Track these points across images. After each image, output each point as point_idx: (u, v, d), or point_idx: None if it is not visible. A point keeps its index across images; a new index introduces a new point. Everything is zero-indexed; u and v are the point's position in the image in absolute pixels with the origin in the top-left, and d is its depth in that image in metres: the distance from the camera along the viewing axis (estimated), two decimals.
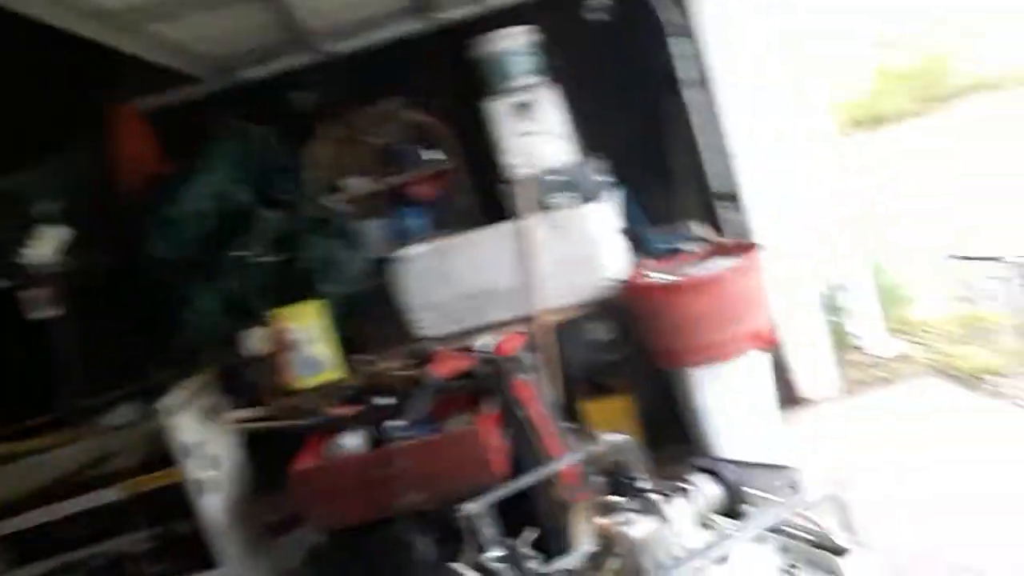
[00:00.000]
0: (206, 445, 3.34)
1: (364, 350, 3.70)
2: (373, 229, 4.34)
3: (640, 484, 2.10)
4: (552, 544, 3.09)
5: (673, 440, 3.94)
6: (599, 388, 4.12)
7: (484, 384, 3.06)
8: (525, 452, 3.01)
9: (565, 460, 2.12)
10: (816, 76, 4.80)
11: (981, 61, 11.73)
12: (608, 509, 1.88)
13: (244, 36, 4.06)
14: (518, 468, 3.01)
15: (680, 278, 3.66)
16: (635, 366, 4.00)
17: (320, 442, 3.11)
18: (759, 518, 1.76)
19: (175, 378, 3.45)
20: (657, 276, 3.75)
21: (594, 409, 4.06)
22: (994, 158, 8.92)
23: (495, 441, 2.87)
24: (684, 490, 1.96)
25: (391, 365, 3.29)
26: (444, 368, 3.11)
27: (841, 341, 4.96)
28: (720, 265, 3.69)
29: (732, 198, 4.40)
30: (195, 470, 3.24)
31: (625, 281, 3.78)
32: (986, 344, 4.55)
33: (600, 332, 4.23)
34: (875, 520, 1.88)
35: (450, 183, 4.47)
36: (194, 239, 3.73)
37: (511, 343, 3.19)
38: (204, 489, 3.26)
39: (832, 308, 4.99)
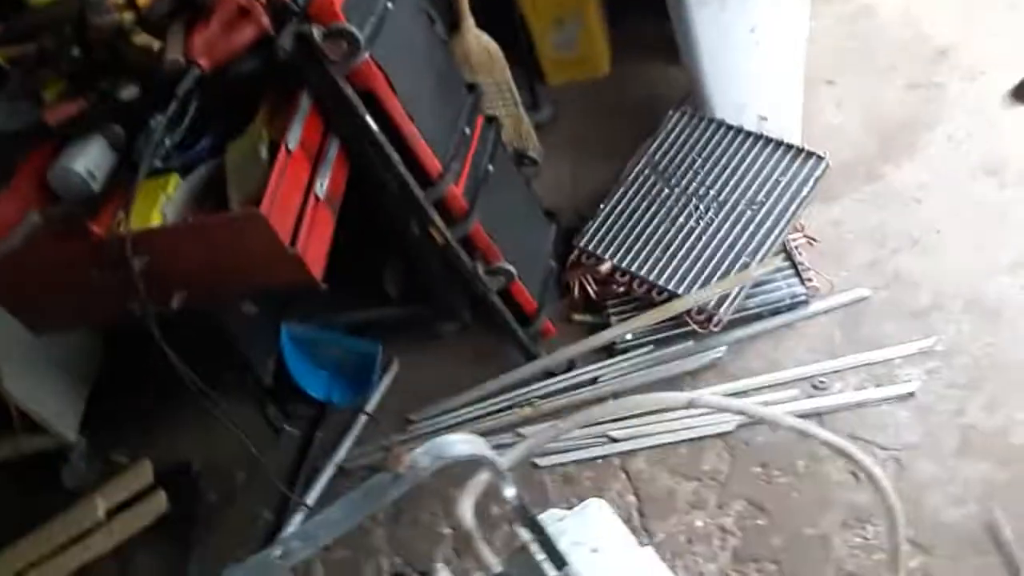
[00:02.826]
0: None
1: None
2: None
3: None
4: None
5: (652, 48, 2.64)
6: None
7: (294, 70, 1.66)
8: (381, 179, 1.76)
9: None
10: None
11: None
12: None
13: None
14: (367, 215, 1.80)
15: None
16: None
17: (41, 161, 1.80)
18: None
19: None
20: None
21: None
22: None
23: (307, 210, 1.57)
24: None
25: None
26: (222, 37, 1.64)
27: None
28: None
29: None
30: None
31: None
32: None
33: None
34: None
35: None
36: None
37: None
38: None
39: None
